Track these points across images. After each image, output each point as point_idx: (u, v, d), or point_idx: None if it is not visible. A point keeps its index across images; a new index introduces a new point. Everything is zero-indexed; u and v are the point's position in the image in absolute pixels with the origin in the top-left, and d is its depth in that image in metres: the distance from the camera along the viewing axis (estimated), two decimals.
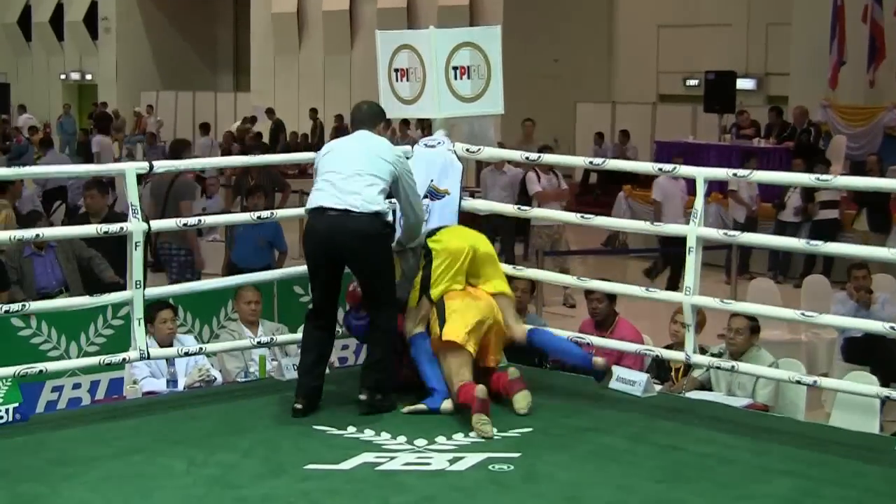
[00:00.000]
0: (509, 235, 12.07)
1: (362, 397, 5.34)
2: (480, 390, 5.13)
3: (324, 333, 5.48)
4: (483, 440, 4.99)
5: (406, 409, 5.36)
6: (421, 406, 5.36)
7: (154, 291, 5.67)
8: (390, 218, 5.50)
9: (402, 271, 5.68)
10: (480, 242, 5.74)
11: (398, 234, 5.74)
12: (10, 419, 5.10)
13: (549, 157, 6.31)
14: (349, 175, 5.34)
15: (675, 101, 21.32)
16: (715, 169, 5.77)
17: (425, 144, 6.23)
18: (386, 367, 5.44)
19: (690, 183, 5.75)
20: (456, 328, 5.38)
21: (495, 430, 5.05)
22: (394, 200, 5.60)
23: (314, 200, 5.40)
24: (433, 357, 5.44)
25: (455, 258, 5.57)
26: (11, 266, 7.68)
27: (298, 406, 5.32)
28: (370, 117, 5.64)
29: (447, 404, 5.32)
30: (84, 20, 31.17)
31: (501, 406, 5.35)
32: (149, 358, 5.56)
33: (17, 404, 5.13)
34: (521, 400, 5.36)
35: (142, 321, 5.48)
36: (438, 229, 5.80)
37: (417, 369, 5.49)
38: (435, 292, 5.54)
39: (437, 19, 20.83)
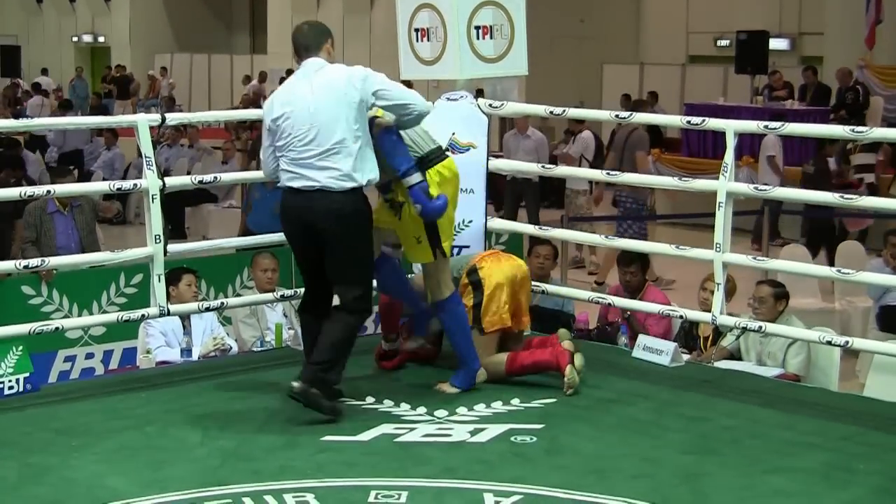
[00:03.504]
0: (534, 199, 11.92)
1: (295, 385, 4.72)
2: (569, 344, 5.16)
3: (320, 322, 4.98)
4: (505, 411, 4.89)
5: (439, 386, 5.17)
6: (452, 389, 5.14)
7: (174, 248, 5.50)
8: (366, 180, 4.80)
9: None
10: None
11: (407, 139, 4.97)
12: (21, 389, 5.01)
13: (574, 112, 6.15)
14: (326, 150, 4.72)
15: (706, 62, 20.94)
16: (746, 122, 5.61)
17: (447, 98, 6.10)
18: (337, 358, 4.83)
19: None
20: (497, 316, 5.25)
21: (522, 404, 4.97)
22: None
23: (286, 180, 4.82)
24: (466, 324, 5.20)
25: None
26: (30, 223, 7.61)
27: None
28: (315, 38, 4.84)
29: (481, 375, 5.17)
30: None
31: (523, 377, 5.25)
32: (169, 314, 5.43)
33: (27, 374, 5.04)
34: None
35: (162, 277, 5.32)
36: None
37: (446, 334, 5.28)
38: (486, 322, 5.25)
39: None
